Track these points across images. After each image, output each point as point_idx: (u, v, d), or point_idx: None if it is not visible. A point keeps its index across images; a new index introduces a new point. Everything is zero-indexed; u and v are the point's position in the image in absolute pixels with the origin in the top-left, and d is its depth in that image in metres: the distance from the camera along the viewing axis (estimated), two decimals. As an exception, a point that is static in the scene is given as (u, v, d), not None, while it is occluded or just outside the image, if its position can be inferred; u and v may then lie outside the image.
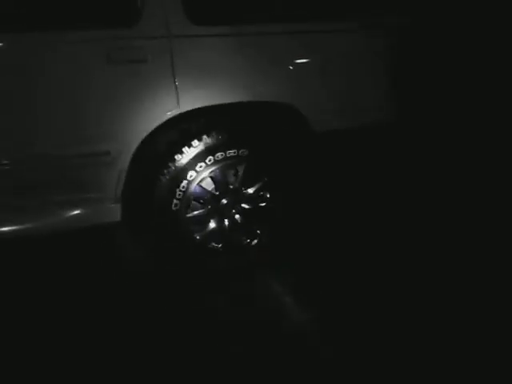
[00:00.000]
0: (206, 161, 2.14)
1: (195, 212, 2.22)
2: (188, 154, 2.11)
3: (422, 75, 2.87)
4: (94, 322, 2.02)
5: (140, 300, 2.15)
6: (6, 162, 1.88)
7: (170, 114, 2.01)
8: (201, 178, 2.16)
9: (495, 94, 3.25)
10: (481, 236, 2.61)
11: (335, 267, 2.40)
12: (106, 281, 2.28)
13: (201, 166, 2.14)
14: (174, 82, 1.99)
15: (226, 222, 2.29)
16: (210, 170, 2.17)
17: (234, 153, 2.19)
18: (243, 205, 2.30)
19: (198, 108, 2.05)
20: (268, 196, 2.34)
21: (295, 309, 2.12)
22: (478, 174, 3.15)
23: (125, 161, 2.01)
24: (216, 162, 2.16)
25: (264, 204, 2.35)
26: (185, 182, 2.13)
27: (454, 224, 2.74)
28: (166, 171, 2.10)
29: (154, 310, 2.10)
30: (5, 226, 1.94)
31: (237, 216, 2.30)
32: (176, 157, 2.10)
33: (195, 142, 2.11)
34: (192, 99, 2.04)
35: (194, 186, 2.16)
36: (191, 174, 2.13)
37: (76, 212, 2.03)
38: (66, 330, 1.97)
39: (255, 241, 2.36)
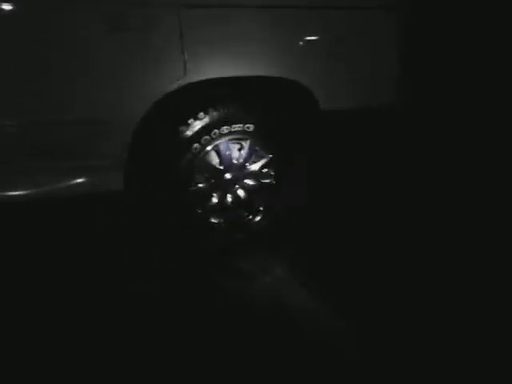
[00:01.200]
0: (212, 134, 2.12)
1: (198, 185, 2.20)
2: (193, 125, 2.09)
3: (433, 60, 2.83)
4: (89, 315, 1.95)
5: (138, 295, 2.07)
6: (9, 123, 1.87)
7: (176, 85, 1.98)
8: (205, 150, 2.14)
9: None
10: (481, 234, 2.54)
11: (335, 251, 2.37)
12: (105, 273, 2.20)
13: (206, 139, 2.11)
14: (182, 52, 1.96)
15: (229, 197, 2.27)
16: (215, 144, 2.15)
17: (240, 127, 2.16)
18: (246, 181, 2.29)
19: (205, 80, 2.03)
20: (272, 173, 2.32)
21: (289, 292, 2.09)
22: (481, 168, 3.09)
23: (129, 130, 1.99)
24: (221, 135, 2.14)
25: (268, 181, 2.33)
26: (189, 155, 2.11)
27: (455, 217, 2.69)
28: (170, 142, 2.08)
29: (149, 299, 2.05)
30: (7, 190, 1.93)
31: (240, 192, 2.28)
32: (181, 128, 2.08)
33: (201, 115, 2.09)
34: (199, 70, 2.00)
35: (198, 159, 2.14)
36: (196, 146, 2.11)
37: (78, 178, 2.02)
38: (60, 326, 1.88)
39: (257, 218, 2.35)
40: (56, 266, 2.19)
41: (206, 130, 2.11)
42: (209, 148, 2.15)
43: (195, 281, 2.14)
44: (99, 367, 1.69)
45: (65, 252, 2.28)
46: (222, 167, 2.21)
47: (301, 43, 2.15)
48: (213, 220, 2.28)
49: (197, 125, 2.09)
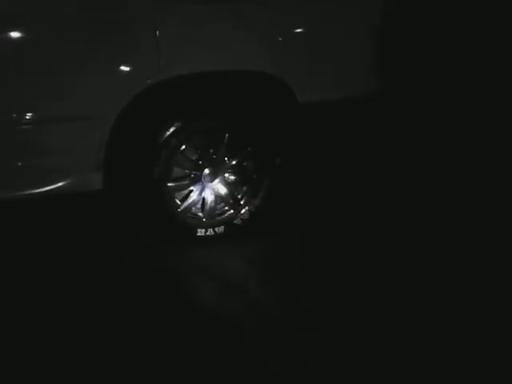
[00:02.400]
0: (189, 129, 2.13)
1: (177, 181, 2.21)
2: (171, 121, 2.09)
3: (412, 49, 2.83)
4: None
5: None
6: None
7: (150, 81, 1.99)
8: (184, 146, 2.15)
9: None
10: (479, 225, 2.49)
11: (316, 243, 2.39)
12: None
13: (183, 134, 2.12)
14: (156, 48, 1.97)
15: (209, 191, 2.27)
16: (193, 138, 2.16)
17: (218, 122, 2.17)
18: (226, 175, 2.29)
19: (181, 75, 2.03)
20: (252, 167, 2.32)
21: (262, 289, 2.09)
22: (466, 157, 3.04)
23: (105, 128, 2.00)
24: (199, 130, 2.15)
25: (248, 175, 2.33)
26: (167, 151, 2.11)
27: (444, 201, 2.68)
28: (147, 139, 2.08)
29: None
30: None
31: (220, 186, 2.29)
32: (158, 124, 2.08)
33: (178, 110, 2.10)
34: (174, 66, 2.02)
35: (176, 155, 2.15)
36: (173, 142, 2.11)
37: (56, 179, 2.03)
38: (59, 326, 1.85)
39: (239, 212, 2.35)
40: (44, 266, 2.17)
41: (183, 125, 2.11)
42: (187, 143, 2.15)
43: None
44: (97, 366, 1.67)
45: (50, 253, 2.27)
46: (200, 162, 2.22)
47: (279, 38, 2.15)
48: (193, 214, 2.29)
49: (174, 120, 2.10)
